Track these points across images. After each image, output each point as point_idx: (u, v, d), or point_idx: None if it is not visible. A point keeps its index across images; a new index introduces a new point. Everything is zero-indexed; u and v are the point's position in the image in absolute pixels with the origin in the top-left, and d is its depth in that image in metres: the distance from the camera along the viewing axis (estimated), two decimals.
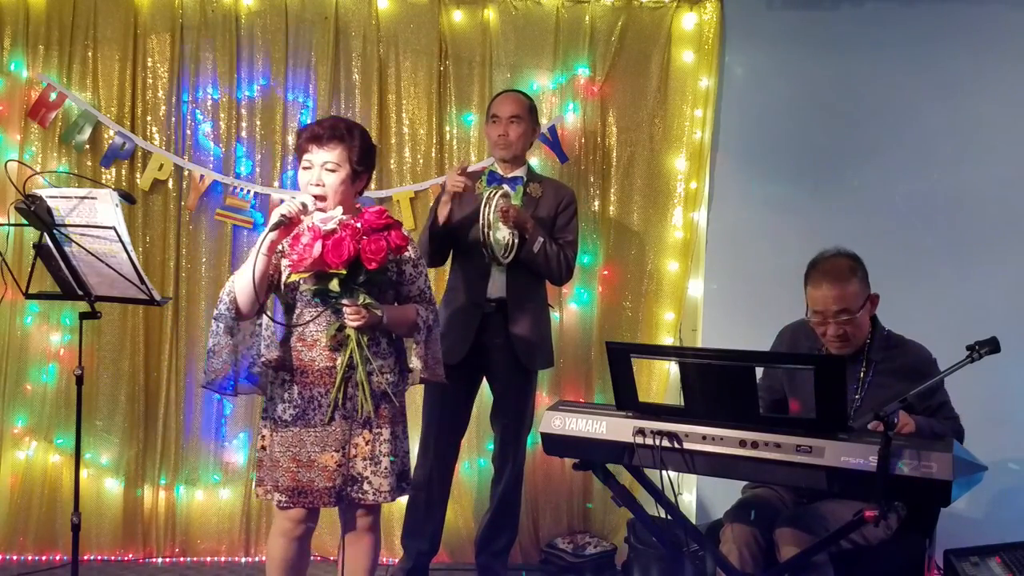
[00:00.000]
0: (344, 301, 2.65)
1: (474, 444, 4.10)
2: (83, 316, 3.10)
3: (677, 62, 4.18)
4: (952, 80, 4.08)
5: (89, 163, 4.10)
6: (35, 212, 2.83)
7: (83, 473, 3.65)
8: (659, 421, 2.53)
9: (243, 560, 4.09)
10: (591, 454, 2.68)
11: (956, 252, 4.08)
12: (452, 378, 3.59)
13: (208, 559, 4.10)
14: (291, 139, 4.03)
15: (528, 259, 3.50)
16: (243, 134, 4.15)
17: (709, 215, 4.21)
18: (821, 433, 2.37)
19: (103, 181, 4.05)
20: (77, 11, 4.07)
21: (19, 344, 4.07)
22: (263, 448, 2.79)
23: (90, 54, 4.08)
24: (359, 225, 2.63)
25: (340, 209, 2.71)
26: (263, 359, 2.77)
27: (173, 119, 4.12)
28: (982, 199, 4.07)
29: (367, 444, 2.74)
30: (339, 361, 2.71)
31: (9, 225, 3.83)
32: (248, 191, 4.10)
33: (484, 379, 3.72)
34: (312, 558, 4.00)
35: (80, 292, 3.02)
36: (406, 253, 2.79)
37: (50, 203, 2.85)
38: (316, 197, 2.71)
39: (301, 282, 2.72)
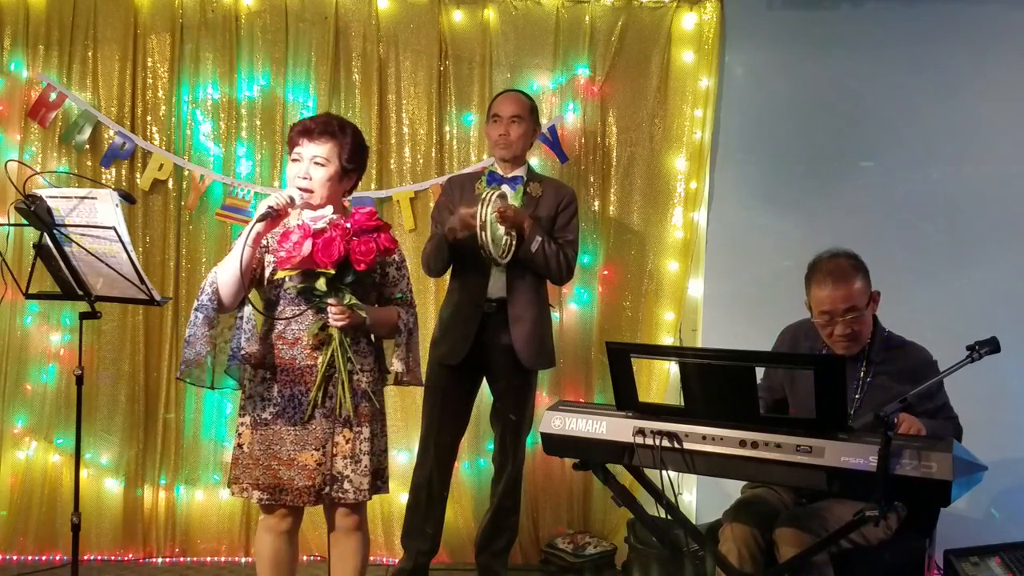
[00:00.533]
0: (329, 301, 2.65)
1: (474, 444, 4.10)
2: (83, 316, 3.09)
3: (677, 62, 4.18)
4: (952, 80, 4.08)
5: (89, 163, 4.10)
6: (35, 212, 2.83)
7: (83, 473, 3.64)
8: (659, 421, 2.53)
9: (243, 560, 4.08)
10: (591, 454, 2.68)
11: (956, 252, 4.09)
12: (452, 378, 3.62)
13: (208, 559, 4.10)
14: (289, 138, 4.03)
15: (526, 259, 3.50)
16: (243, 134, 4.15)
17: (709, 215, 4.21)
18: (821, 433, 2.37)
19: (103, 181, 4.05)
20: (77, 11, 4.07)
21: (19, 344, 4.07)
22: (239, 446, 2.79)
23: (90, 54, 4.08)
24: (349, 226, 2.62)
25: (331, 208, 2.71)
26: (243, 352, 2.76)
27: (173, 119, 4.12)
28: (982, 199, 4.08)
29: (347, 443, 2.74)
30: (320, 360, 2.71)
31: (9, 225, 3.83)
32: (248, 191, 4.10)
33: (484, 379, 3.72)
34: (313, 558, 4.02)
35: (80, 292, 3.02)
36: (393, 255, 2.79)
37: (50, 203, 2.85)
38: (302, 190, 2.71)
39: (287, 279, 2.71)
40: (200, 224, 4.13)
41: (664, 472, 2.51)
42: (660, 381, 4.16)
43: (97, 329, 4.02)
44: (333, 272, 2.60)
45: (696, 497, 4.17)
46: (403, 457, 4.12)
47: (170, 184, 4.11)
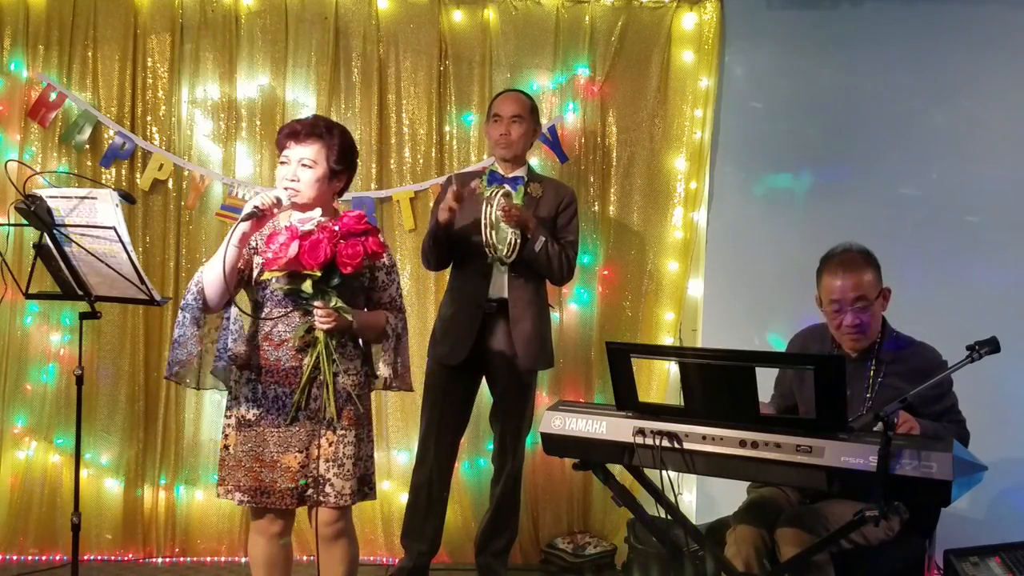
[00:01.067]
0: (316, 303, 2.65)
1: (474, 444, 4.10)
2: (83, 316, 3.09)
3: (677, 62, 4.18)
4: (952, 79, 4.08)
5: (89, 163, 4.10)
6: (35, 212, 2.82)
7: (83, 473, 3.64)
8: (659, 421, 2.53)
9: (243, 560, 4.08)
10: (591, 454, 2.68)
11: (956, 252, 4.09)
12: (452, 378, 3.62)
13: (208, 559, 4.10)
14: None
15: (530, 258, 3.50)
16: (243, 134, 4.15)
17: (709, 215, 4.21)
18: (821, 433, 2.37)
19: (103, 181, 4.05)
20: (77, 11, 4.07)
21: (19, 344, 4.08)
22: (225, 447, 2.78)
23: (90, 54, 4.09)
24: (337, 228, 2.62)
25: (319, 211, 2.70)
26: (230, 352, 2.76)
27: (173, 119, 4.12)
28: (982, 198, 4.08)
29: (330, 446, 2.72)
30: (305, 362, 2.70)
31: (9, 225, 3.83)
32: (248, 191, 4.10)
33: (484, 379, 3.72)
34: (313, 558, 4.01)
35: (80, 292, 3.02)
36: (381, 260, 2.79)
37: (50, 203, 2.85)
38: (289, 190, 2.70)
39: (273, 280, 2.71)
40: (200, 224, 4.13)
41: (664, 472, 2.51)
42: (660, 381, 4.16)
43: (97, 329, 4.02)
44: (319, 274, 2.60)
45: (696, 497, 4.17)
46: (403, 457, 4.12)
47: (170, 184, 4.11)
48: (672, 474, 2.54)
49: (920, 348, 2.95)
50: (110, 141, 4.08)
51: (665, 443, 2.49)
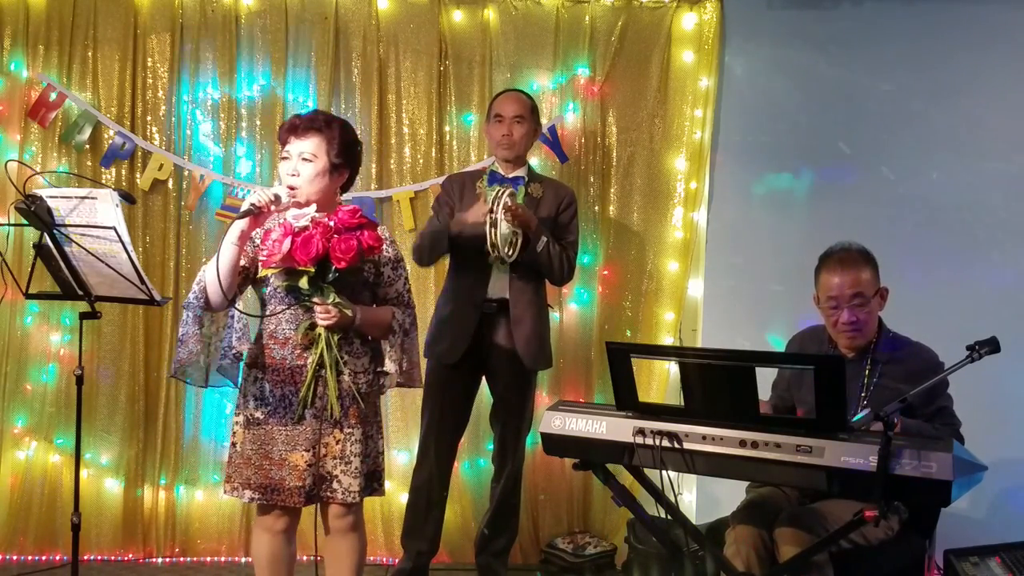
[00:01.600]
0: (315, 300, 2.64)
1: (474, 444, 4.10)
2: (83, 316, 3.09)
3: (677, 62, 4.18)
4: (952, 79, 4.08)
5: (89, 163, 4.10)
6: (35, 212, 2.83)
7: (83, 473, 3.64)
8: (659, 421, 2.53)
9: (243, 560, 4.08)
10: (591, 454, 2.68)
11: (956, 252, 4.08)
12: (452, 378, 3.61)
13: (208, 559, 4.10)
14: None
15: (532, 259, 3.50)
16: (243, 134, 4.15)
17: (709, 215, 4.21)
18: (821, 433, 2.37)
19: (103, 181, 4.05)
20: (77, 11, 4.07)
21: (19, 344, 4.07)
22: (233, 445, 2.78)
23: (90, 54, 4.08)
24: (332, 223, 2.61)
25: (315, 206, 2.69)
26: (234, 351, 2.75)
27: (173, 119, 4.12)
28: (982, 198, 4.08)
29: (337, 444, 2.72)
30: (310, 360, 2.70)
31: (9, 225, 3.83)
32: (248, 191, 4.09)
33: (484, 379, 3.72)
34: (310, 558, 4.02)
35: (80, 292, 3.02)
36: (386, 255, 2.77)
37: (50, 203, 2.85)
38: (290, 188, 2.69)
39: (272, 278, 2.70)
40: (200, 224, 4.13)
41: (664, 472, 2.51)
42: (660, 381, 4.16)
43: (97, 329, 4.01)
44: (313, 270, 2.59)
45: (696, 497, 4.17)
46: (403, 457, 4.12)
47: (170, 184, 4.11)
48: (672, 474, 2.54)
49: (917, 348, 2.95)
50: (110, 141, 4.08)
51: (665, 443, 2.49)
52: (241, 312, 2.76)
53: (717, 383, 2.50)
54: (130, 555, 4.08)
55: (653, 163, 4.19)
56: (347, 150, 2.76)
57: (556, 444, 2.70)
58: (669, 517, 2.92)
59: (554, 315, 3.94)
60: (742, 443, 2.41)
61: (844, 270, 2.89)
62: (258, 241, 2.72)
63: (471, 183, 3.65)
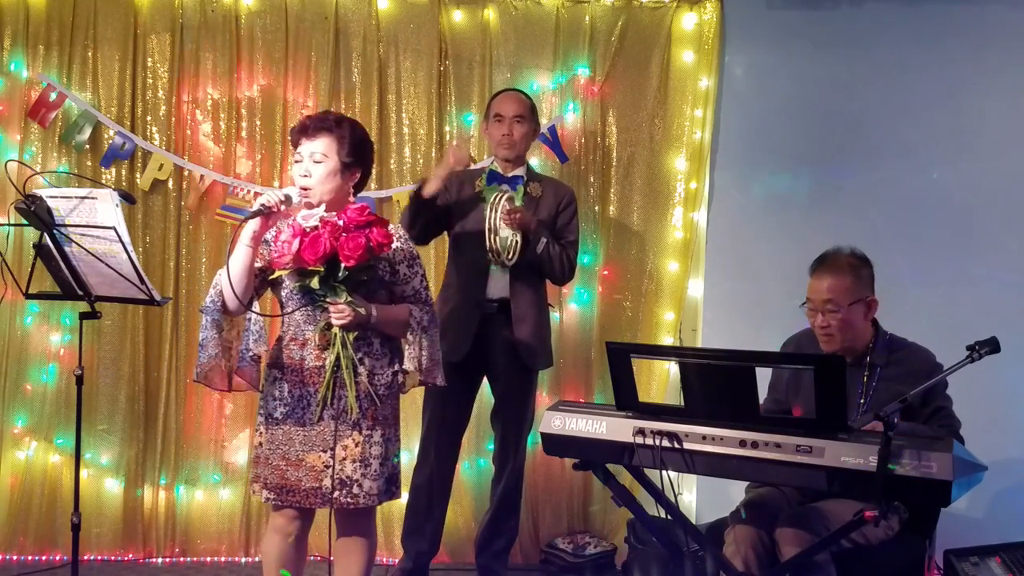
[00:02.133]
0: (328, 300, 2.64)
1: (474, 444, 4.10)
2: (83, 316, 3.10)
3: (677, 62, 4.18)
4: (952, 80, 4.08)
5: (89, 163, 4.10)
6: (35, 212, 2.83)
7: (83, 473, 3.64)
8: (659, 421, 2.53)
9: (243, 560, 4.09)
10: (591, 454, 2.68)
11: (956, 252, 4.08)
12: (453, 378, 3.60)
13: (208, 559, 4.10)
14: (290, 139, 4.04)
15: (532, 260, 3.50)
16: (243, 134, 4.15)
17: (709, 215, 4.21)
18: (821, 433, 2.37)
19: (103, 181, 4.05)
20: (77, 11, 4.07)
21: (19, 344, 4.07)
22: (258, 444, 2.78)
23: (90, 54, 4.08)
24: (341, 222, 2.61)
25: (323, 206, 2.69)
26: (251, 353, 2.75)
27: (173, 119, 4.12)
28: (982, 199, 4.07)
29: (356, 446, 2.71)
30: (327, 361, 2.69)
31: (9, 225, 3.83)
32: (248, 191, 4.10)
33: (484, 379, 3.72)
34: (313, 557, 4.02)
35: (80, 292, 3.02)
36: (400, 252, 2.76)
37: (50, 203, 2.85)
38: (302, 188, 2.68)
39: (284, 279, 2.71)
40: (200, 224, 4.13)
41: (664, 472, 2.51)
42: (660, 381, 4.16)
43: (97, 329, 4.01)
44: (323, 269, 2.59)
45: (696, 497, 4.17)
46: (403, 457, 4.10)
47: (170, 184, 4.11)
48: (672, 474, 2.54)
49: (914, 350, 2.95)
50: (110, 141, 4.08)
51: (665, 443, 2.49)
52: (256, 314, 2.76)
53: (717, 383, 2.50)
54: (130, 555, 4.08)
55: (653, 163, 4.19)
56: (358, 149, 2.75)
57: (556, 444, 2.70)
58: (669, 517, 2.91)
59: (554, 315, 3.94)
60: (742, 443, 2.42)
61: (822, 275, 2.91)
62: (273, 243, 2.72)
63: (471, 181, 3.65)
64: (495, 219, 3.36)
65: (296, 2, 4.13)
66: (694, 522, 3.90)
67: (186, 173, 4.12)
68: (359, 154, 2.76)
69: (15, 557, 4.01)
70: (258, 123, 4.15)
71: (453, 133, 4.18)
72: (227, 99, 4.12)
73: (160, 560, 4.07)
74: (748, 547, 2.74)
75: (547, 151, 4.15)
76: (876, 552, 2.76)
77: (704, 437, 2.46)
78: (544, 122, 4.03)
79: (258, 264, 2.70)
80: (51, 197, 2.86)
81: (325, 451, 2.69)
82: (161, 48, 4.11)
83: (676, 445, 2.48)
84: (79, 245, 2.88)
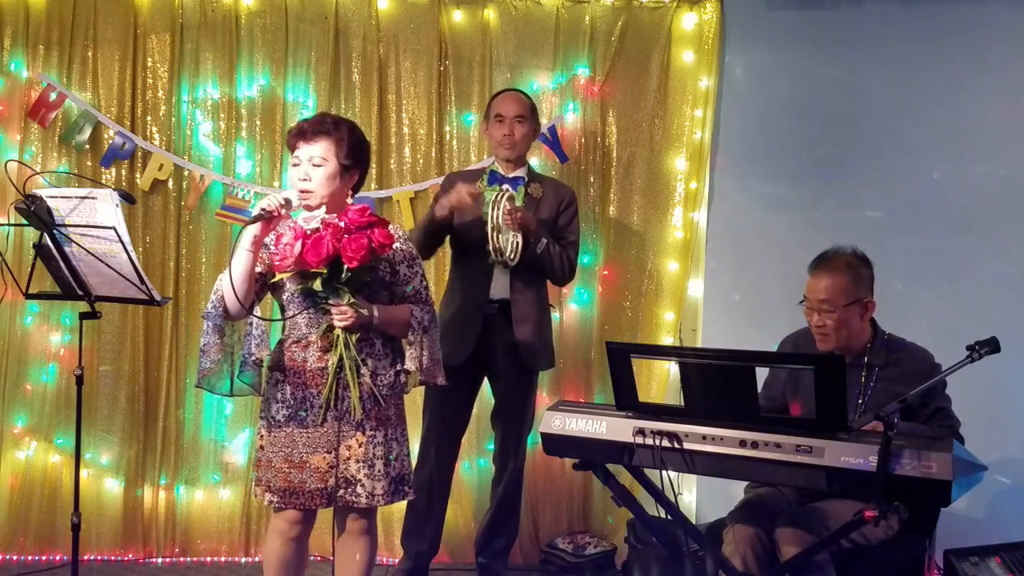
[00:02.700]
0: (330, 301, 2.64)
1: (474, 444, 4.10)
2: (83, 316, 3.10)
3: (677, 62, 4.18)
4: (952, 80, 4.08)
5: (89, 163, 4.10)
6: (35, 212, 2.83)
7: (83, 473, 3.64)
8: (659, 421, 2.54)
9: (243, 560, 4.09)
10: (591, 454, 2.68)
11: (956, 252, 4.08)
12: (454, 378, 3.61)
13: (208, 559, 4.10)
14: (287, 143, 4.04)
15: (532, 260, 3.50)
16: (243, 134, 4.15)
17: (709, 215, 4.21)
18: (821, 433, 2.37)
19: (103, 181, 4.05)
20: (77, 11, 4.06)
21: (19, 344, 4.07)
22: (260, 448, 2.78)
23: (90, 54, 4.08)
24: (342, 224, 2.61)
25: (324, 208, 2.69)
26: (254, 357, 2.76)
27: (173, 119, 4.12)
28: (982, 199, 4.07)
29: (360, 447, 2.71)
30: (330, 362, 2.69)
31: (9, 225, 3.83)
32: (248, 191, 4.10)
33: (485, 379, 3.72)
34: (312, 558, 4.02)
35: (80, 292, 3.02)
36: (401, 252, 2.77)
37: (50, 203, 2.85)
38: (302, 192, 2.68)
39: (286, 282, 2.71)
40: (200, 224, 4.13)
41: (664, 472, 2.51)
42: (660, 381, 4.16)
43: (97, 329, 4.01)
44: (326, 272, 2.59)
45: (696, 497, 4.17)
46: None
47: (170, 184, 4.11)
48: (672, 474, 2.54)
49: (912, 350, 2.95)
50: (110, 141, 4.08)
51: (665, 443, 2.49)
52: (258, 318, 2.76)
53: (717, 383, 2.51)
54: (130, 555, 4.08)
55: (653, 163, 4.19)
56: (356, 150, 2.76)
57: (556, 444, 2.70)
58: (669, 517, 2.92)
59: (554, 315, 3.94)
60: (742, 443, 2.42)
61: (820, 274, 2.91)
62: (273, 247, 2.72)
63: (471, 182, 3.65)
64: (497, 217, 3.36)
65: (296, 2, 4.12)
66: (694, 522, 3.91)
67: (186, 173, 4.12)
68: (357, 155, 2.77)
69: (15, 557, 4.01)
70: (258, 123, 4.15)
71: (453, 133, 4.18)
72: (227, 99, 4.12)
73: (160, 560, 4.07)
74: (747, 547, 2.75)
75: (547, 151, 4.15)
76: (876, 552, 2.76)
77: (704, 437, 2.46)
78: (544, 122, 4.03)
79: (259, 268, 2.70)
80: (51, 197, 2.86)
81: (329, 452, 2.69)
82: (161, 48, 4.11)
83: (676, 445, 2.49)
84: (79, 245, 2.88)
